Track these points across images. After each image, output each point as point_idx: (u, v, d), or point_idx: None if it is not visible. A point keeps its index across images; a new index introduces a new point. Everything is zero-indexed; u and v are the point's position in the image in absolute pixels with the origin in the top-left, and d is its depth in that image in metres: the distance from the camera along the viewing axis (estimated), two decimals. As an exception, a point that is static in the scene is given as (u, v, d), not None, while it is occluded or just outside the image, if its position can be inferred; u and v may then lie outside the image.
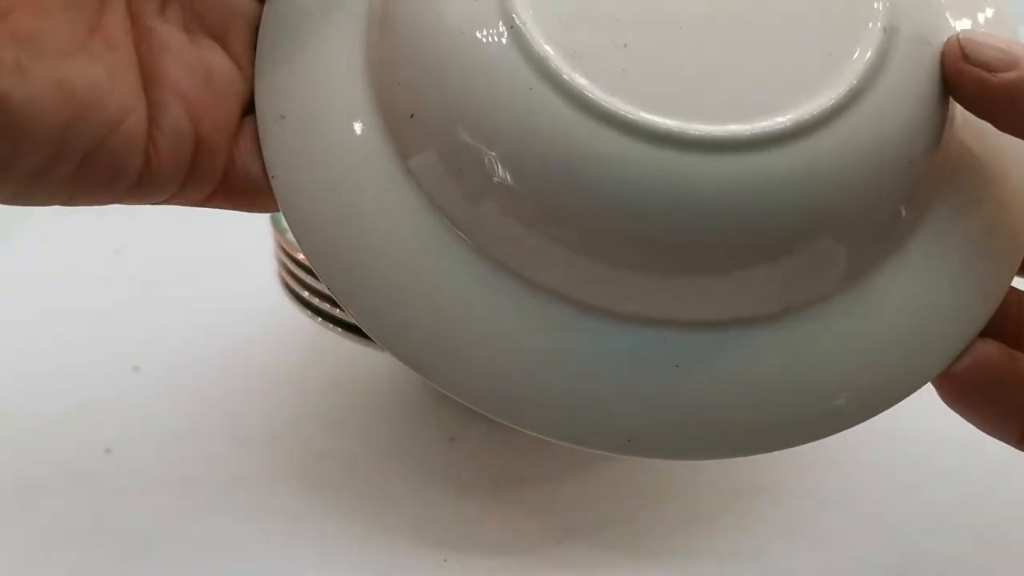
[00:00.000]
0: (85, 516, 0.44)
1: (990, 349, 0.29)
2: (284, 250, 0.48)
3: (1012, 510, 0.45)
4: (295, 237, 0.30)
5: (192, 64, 0.29)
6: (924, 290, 0.29)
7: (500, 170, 0.27)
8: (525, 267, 0.28)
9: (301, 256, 0.47)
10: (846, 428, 0.29)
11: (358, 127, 0.29)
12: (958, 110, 0.29)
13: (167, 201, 0.30)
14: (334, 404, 0.51)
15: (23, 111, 0.25)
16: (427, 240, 0.29)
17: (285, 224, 0.48)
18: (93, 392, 0.51)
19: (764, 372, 0.29)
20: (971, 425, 0.30)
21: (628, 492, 0.46)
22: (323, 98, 0.30)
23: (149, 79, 0.29)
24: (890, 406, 0.29)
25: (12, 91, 0.25)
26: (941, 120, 0.28)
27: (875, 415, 0.29)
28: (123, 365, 0.53)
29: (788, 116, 0.26)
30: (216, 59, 0.30)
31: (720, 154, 0.26)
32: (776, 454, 0.44)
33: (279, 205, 0.30)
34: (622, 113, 0.26)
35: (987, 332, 0.30)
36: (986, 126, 0.29)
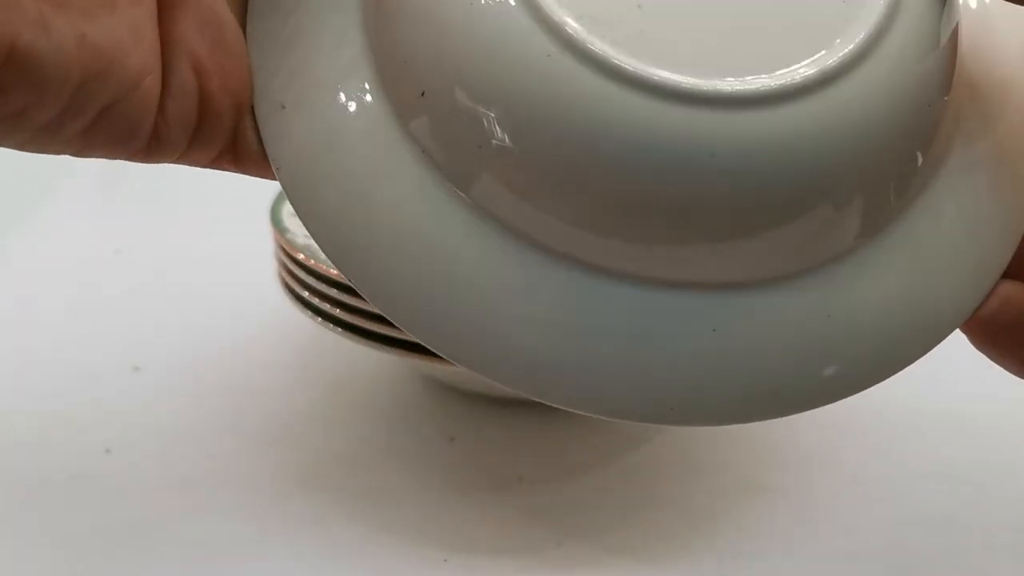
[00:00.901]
0: (85, 516, 0.44)
1: (1013, 290, 0.29)
2: (284, 250, 0.48)
3: (1014, 509, 0.45)
4: (304, 224, 0.30)
5: (205, 21, 0.29)
6: (947, 235, 0.29)
7: (524, 142, 0.26)
8: (551, 238, 0.28)
9: (301, 256, 0.47)
10: (884, 379, 0.29)
11: (363, 113, 0.29)
12: (962, 44, 0.29)
13: (175, 161, 0.30)
14: (334, 404, 0.51)
15: (43, 63, 0.25)
16: (444, 216, 0.28)
17: (285, 224, 0.49)
18: (93, 392, 0.51)
19: (803, 328, 0.28)
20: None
21: (629, 493, 0.46)
22: (323, 84, 0.29)
23: (163, 36, 0.28)
24: (924, 354, 0.29)
25: (34, 42, 0.25)
26: (953, 53, 0.28)
27: (909, 364, 0.29)
28: (123, 365, 0.53)
29: (811, 66, 0.26)
30: (226, 16, 0.30)
31: (748, 110, 0.25)
32: (775, 453, 0.44)
33: (288, 198, 0.30)
34: (648, 76, 0.25)
35: (1008, 273, 0.30)
36: (986, 52, 0.28)
